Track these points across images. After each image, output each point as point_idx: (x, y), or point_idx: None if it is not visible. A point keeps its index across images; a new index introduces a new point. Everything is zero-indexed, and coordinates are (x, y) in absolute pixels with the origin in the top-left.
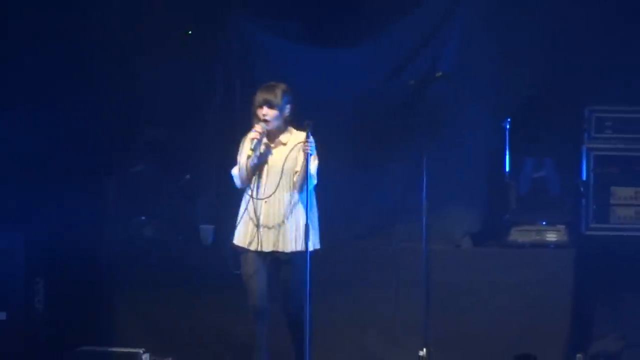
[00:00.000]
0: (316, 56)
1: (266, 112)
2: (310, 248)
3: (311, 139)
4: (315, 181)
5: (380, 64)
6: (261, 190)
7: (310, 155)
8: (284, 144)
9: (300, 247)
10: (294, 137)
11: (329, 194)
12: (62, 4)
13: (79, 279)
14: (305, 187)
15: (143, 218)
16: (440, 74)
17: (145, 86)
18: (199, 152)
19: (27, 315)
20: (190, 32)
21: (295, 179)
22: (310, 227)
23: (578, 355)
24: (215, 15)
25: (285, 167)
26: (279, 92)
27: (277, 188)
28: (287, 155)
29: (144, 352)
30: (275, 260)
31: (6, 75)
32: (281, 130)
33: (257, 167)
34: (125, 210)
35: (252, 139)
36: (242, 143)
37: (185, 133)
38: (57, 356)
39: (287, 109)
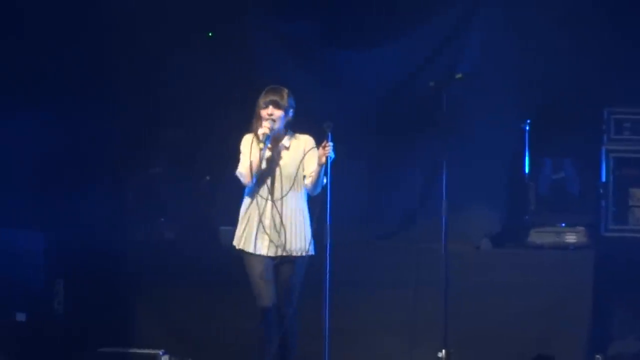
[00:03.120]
0: (337, 58)
1: (272, 112)
2: (306, 253)
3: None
4: (318, 189)
5: (401, 66)
6: (268, 194)
7: (331, 159)
8: (287, 148)
9: (303, 251)
10: (299, 142)
11: (349, 194)
12: (82, 5)
13: (99, 280)
14: (317, 189)
15: (162, 220)
16: (460, 75)
17: (165, 87)
18: (219, 153)
19: (47, 317)
20: (210, 34)
21: (306, 181)
22: (308, 233)
23: (597, 356)
24: (236, 16)
25: (290, 172)
26: (285, 95)
27: (282, 192)
28: (293, 160)
29: (164, 354)
30: (279, 263)
31: (27, 77)
32: (282, 134)
33: (261, 168)
34: (145, 211)
35: (263, 134)
36: (243, 143)
37: (205, 134)
38: (77, 357)
39: (291, 112)
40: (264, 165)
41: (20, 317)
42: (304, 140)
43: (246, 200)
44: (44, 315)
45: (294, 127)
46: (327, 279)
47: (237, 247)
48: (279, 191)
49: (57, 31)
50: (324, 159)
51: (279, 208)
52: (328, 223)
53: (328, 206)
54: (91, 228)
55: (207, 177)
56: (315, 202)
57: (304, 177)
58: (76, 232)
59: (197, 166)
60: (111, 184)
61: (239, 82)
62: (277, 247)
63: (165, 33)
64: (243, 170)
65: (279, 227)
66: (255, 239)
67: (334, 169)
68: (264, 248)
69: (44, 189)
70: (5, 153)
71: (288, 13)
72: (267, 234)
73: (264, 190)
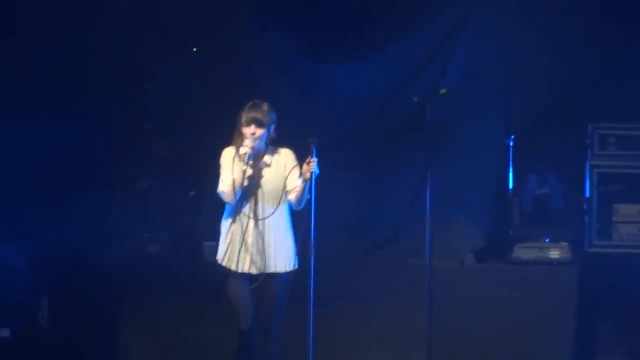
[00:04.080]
0: (322, 71)
1: (254, 131)
2: (289, 268)
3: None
4: (302, 205)
5: (385, 80)
6: (251, 210)
7: (316, 174)
8: (269, 165)
9: (287, 267)
10: (279, 157)
11: (334, 209)
12: (68, 19)
13: (83, 295)
14: (301, 204)
15: (147, 234)
16: (444, 91)
17: (150, 101)
18: (204, 168)
19: (31, 332)
20: (195, 49)
21: (290, 196)
22: (292, 247)
23: None
24: (222, 30)
25: (272, 188)
26: (266, 112)
27: (265, 209)
28: (275, 176)
29: None
30: (262, 280)
31: (12, 91)
32: (263, 150)
33: (242, 186)
34: (130, 226)
35: (245, 154)
36: (223, 159)
37: (191, 149)
38: None
39: (273, 127)
40: (245, 183)
41: (4, 332)
42: (285, 155)
43: (228, 217)
44: (28, 331)
45: (276, 140)
46: (312, 293)
47: (220, 264)
48: (262, 208)
49: (42, 45)
50: (308, 175)
51: (261, 225)
52: (312, 237)
53: (312, 220)
54: (76, 243)
55: (192, 192)
56: (301, 216)
57: (286, 192)
58: (61, 246)
59: (182, 181)
60: (96, 198)
61: (225, 96)
62: (260, 264)
63: (151, 46)
64: (225, 189)
65: (262, 244)
66: (238, 256)
67: (318, 183)
68: (246, 266)
69: (29, 203)
70: None
71: (274, 26)
72: (250, 251)
73: (246, 208)
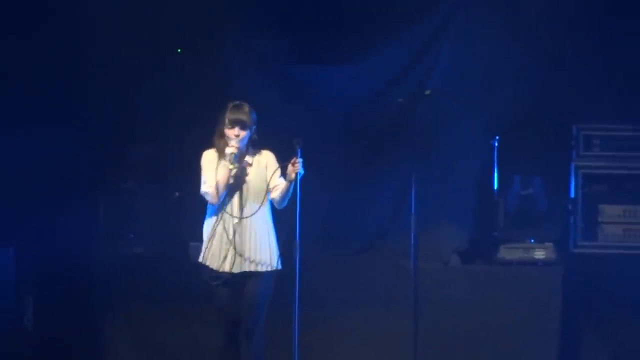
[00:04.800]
0: (306, 74)
1: (238, 133)
2: (271, 268)
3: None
4: (285, 203)
5: (369, 82)
6: (233, 210)
7: (301, 175)
8: (250, 165)
9: (269, 266)
10: (260, 157)
11: (319, 210)
12: (53, 22)
13: (69, 296)
14: (283, 203)
15: (132, 235)
16: (429, 92)
17: (135, 104)
18: (189, 169)
19: (16, 333)
20: (179, 50)
21: (273, 195)
22: (275, 247)
23: None
24: (208, 33)
25: (254, 187)
26: (248, 113)
27: (247, 208)
28: (257, 175)
29: None
30: (244, 279)
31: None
32: (245, 151)
33: (227, 187)
34: (116, 227)
35: (231, 153)
36: (204, 162)
37: (176, 150)
38: None
39: (254, 128)
40: (231, 181)
41: None
42: (266, 156)
43: (211, 217)
44: (13, 332)
45: (258, 141)
46: (297, 295)
47: (202, 263)
48: (244, 208)
49: (29, 48)
50: (293, 176)
51: (243, 225)
52: (297, 238)
53: (297, 221)
54: (61, 244)
55: (177, 193)
56: (285, 217)
57: (269, 192)
58: (46, 248)
59: (167, 182)
60: (82, 200)
61: (209, 97)
62: (242, 262)
63: (136, 50)
64: (209, 190)
65: (244, 244)
66: (221, 256)
67: (303, 185)
68: (228, 265)
69: (14, 204)
70: None
71: (258, 29)
72: (232, 251)
73: (228, 207)
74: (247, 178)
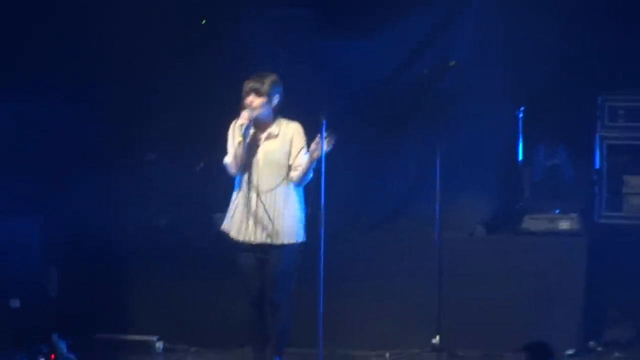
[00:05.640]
0: (330, 46)
1: (252, 100)
2: (295, 240)
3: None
4: (310, 175)
5: (393, 54)
6: (255, 181)
7: (326, 152)
8: (275, 136)
9: (291, 239)
10: (287, 129)
11: (343, 182)
12: None
13: (93, 266)
14: (303, 183)
15: (156, 207)
16: (453, 63)
17: (159, 74)
18: (213, 140)
19: (41, 303)
20: (204, 21)
21: (292, 174)
22: (298, 219)
23: (590, 343)
24: (229, 4)
25: (278, 159)
26: (267, 81)
27: (270, 179)
28: (281, 147)
29: (158, 340)
30: (266, 251)
31: (21, 66)
32: (270, 121)
33: (249, 156)
34: (140, 198)
35: (241, 125)
36: (230, 131)
37: (199, 121)
38: (72, 343)
39: (276, 99)
40: (249, 154)
41: (14, 303)
42: (293, 129)
43: (236, 188)
44: (37, 302)
45: (285, 114)
46: (321, 266)
47: (227, 234)
48: (265, 179)
49: (52, 22)
50: (316, 154)
51: (266, 195)
52: (322, 210)
53: (322, 193)
54: (85, 215)
55: (201, 164)
56: (309, 189)
57: (290, 167)
58: (70, 218)
59: (190, 153)
60: (106, 171)
61: (232, 69)
62: (265, 234)
63: (158, 22)
64: (228, 161)
65: (267, 214)
66: (243, 226)
67: (327, 157)
68: (251, 235)
69: (39, 176)
70: (0, 141)
71: (281, 2)
72: (255, 222)
73: (251, 178)
74: (270, 149)
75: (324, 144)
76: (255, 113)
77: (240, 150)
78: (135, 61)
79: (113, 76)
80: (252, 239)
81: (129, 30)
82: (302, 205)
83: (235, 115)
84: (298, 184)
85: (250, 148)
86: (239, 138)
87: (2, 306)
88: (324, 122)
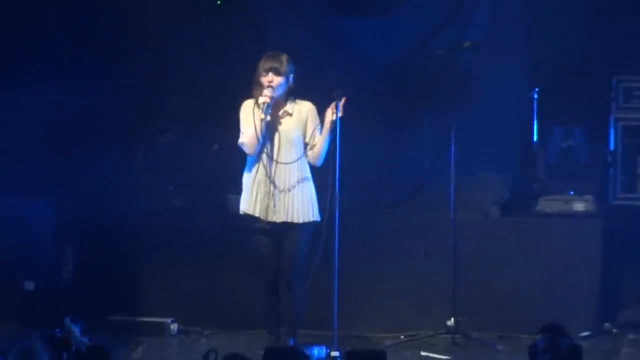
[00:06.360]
0: (346, 25)
1: (272, 79)
2: (309, 219)
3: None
4: (321, 161)
5: (408, 33)
6: (274, 159)
7: (338, 120)
8: (290, 114)
9: (307, 218)
10: (301, 107)
11: (358, 162)
12: None
13: (107, 248)
14: (320, 160)
15: (171, 188)
16: (468, 43)
17: (173, 55)
18: (228, 121)
19: (55, 285)
20: (219, 2)
21: (309, 152)
22: (314, 198)
23: (606, 325)
24: None
25: (293, 137)
26: (284, 60)
27: (285, 158)
28: (296, 125)
29: (172, 322)
30: (282, 229)
31: (37, 47)
32: (285, 100)
33: (267, 135)
34: (154, 180)
35: (263, 103)
36: (242, 112)
37: (214, 102)
38: (86, 326)
39: (292, 77)
40: (266, 133)
41: (29, 285)
42: (307, 107)
43: (250, 167)
44: (52, 284)
45: (300, 93)
46: (337, 247)
47: (242, 213)
48: (283, 157)
49: (67, 4)
50: (328, 123)
51: (282, 175)
52: (337, 191)
53: (337, 174)
54: (100, 197)
55: (216, 146)
56: (325, 170)
57: (307, 146)
58: (85, 200)
59: (205, 134)
60: (120, 152)
61: (247, 49)
62: (280, 213)
63: (173, 1)
64: (246, 140)
65: (283, 193)
66: (260, 205)
67: (342, 137)
68: (268, 214)
69: (54, 158)
70: (15, 122)
71: None
72: (271, 200)
73: (267, 157)
74: (284, 128)
75: (338, 124)
76: (276, 93)
77: (260, 128)
78: (149, 43)
79: (127, 58)
80: (273, 218)
81: (144, 11)
82: (313, 184)
83: (249, 96)
84: (314, 162)
85: (268, 128)
86: (261, 116)
87: (17, 288)
88: (338, 102)
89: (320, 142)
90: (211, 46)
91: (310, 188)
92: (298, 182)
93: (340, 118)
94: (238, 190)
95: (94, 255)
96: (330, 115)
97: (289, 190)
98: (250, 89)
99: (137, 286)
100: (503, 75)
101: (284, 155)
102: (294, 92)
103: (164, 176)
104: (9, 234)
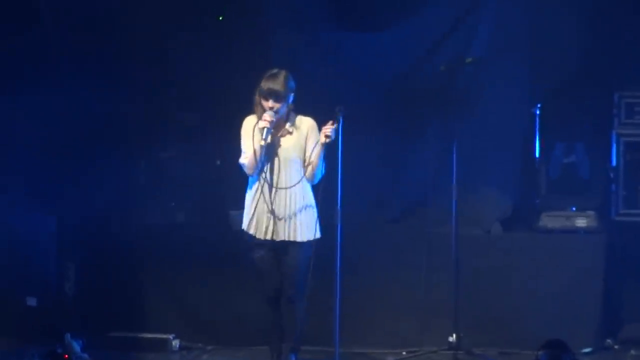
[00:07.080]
0: (347, 40)
1: (273, 105)
2: (312, 237)
3: (336, 126)
4: (322, 172)
5: (410, 48)
6: (274, 179)
7: (332, 139)
8: (290, 133)
9: (310, 235)
10: (301, 124)
11: (360, 177)
12: None
13: (110, 264)
14: (316, 179)
15: (173, 203)
16: (470, 59)
17: (178, 71)
18: (230, 137)
19: (58, 301)
20: (221, 17)
21: (308, 169)
22: (315, 216)
23: (607, 341)
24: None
25: (293, 156)
26: (284, 82)
27: (286, 177)
28: (296, 143)
29: (174, 338)
30: (283, 246)
31: (38, 58)
32: (285, 120)
33: (267, 157)
34: (156, 195)
35: (263, 128)
36: (243, 130)
37: (217, 118)
38: (88, 341)
39: (292, 97)
40: (265, 156)
41: (31, 301)
42: (307, 124)
43: (252, 185)
44: (54, 299)
45: (301, 109)
46: (338, 262)
47: (243, 231)
48: (283, 182)
49: (69, 11)
50: (322, 139)
51: (283, 194)
52: (339, 206)
53: (339, 189)
54: (102, 212)
55: (218, 162)
56: (325, 184)
57: (304, 163)
58: (87, 215)
59: (208, 150)
60: (123, 168)
61: (250, 64)
62: (282, 231)
63: (176, 16)
64: (246, 162)
65: (284, 212)
66: (261, 224)
67: (344, 152)
68: (269, 233)
69: (56, 172)
70: (17, 136)
71: None
72: (272, 219)
73: (267, 176)
74: (285, 146)
75: (340, 139)
76: (277, 116)
77: (260, 152)
78: (151, 57)
79: (130, 74)
80: (273, 237)
81: (151, 25)
82: (314, 201)
83: (250, 111)
84: (310, 180)
85: (268, 148)
86: (260, 142)
87: (18, 304)
88: (340, 118)
89: (316, 155)
90: (213, 62)
91: (312, 213)
92: (299, 210)
93: (342, 133)
94: (240, 206)
95: (96, 270)
96: (323, 134)
97: (290, 218)
98: (252, 104)
99: (139, 302)
100: (505, 91)
101: (284, 179)
102: (295, 108)
103: (166, 191)
104: (11, 249)
